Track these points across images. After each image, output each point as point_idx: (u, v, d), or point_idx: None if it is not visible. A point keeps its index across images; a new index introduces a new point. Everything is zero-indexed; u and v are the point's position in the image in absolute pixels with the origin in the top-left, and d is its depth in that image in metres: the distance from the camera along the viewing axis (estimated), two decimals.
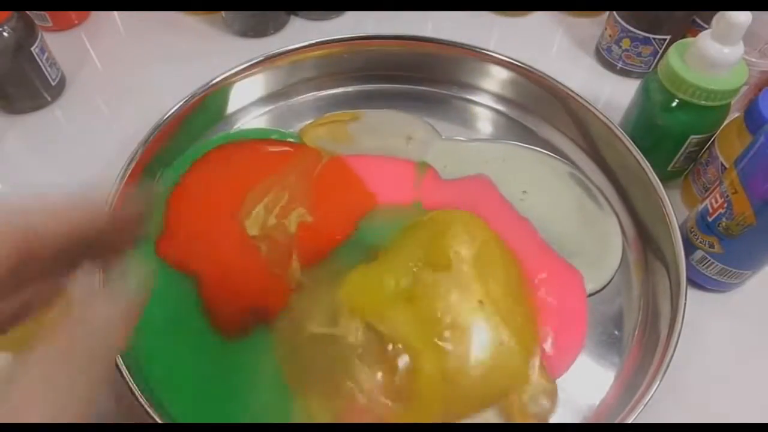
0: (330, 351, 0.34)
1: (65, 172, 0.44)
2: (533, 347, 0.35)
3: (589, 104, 0.43)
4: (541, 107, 0.46)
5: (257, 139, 0.44)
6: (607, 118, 0.42)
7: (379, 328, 0.35)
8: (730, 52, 0.37)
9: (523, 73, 0.45)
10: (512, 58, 0.45)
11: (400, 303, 0.36)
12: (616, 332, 0.37)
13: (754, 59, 0.43)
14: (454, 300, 0.34)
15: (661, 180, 0.39)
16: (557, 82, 0.44)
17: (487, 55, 0.46)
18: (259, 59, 0.44)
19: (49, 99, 0.48)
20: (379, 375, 0.34)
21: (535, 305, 0.37)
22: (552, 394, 0.34)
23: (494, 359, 0.33)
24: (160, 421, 0.29)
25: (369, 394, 0.33)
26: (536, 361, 0.35)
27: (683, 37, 0.48)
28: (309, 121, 0.45)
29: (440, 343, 0.34)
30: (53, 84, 0.47)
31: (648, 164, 0.40)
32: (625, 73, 0.52)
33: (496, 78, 0.47)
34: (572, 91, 0.44)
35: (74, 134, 0.47)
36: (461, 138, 0.45)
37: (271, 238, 0.39)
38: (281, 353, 0.35)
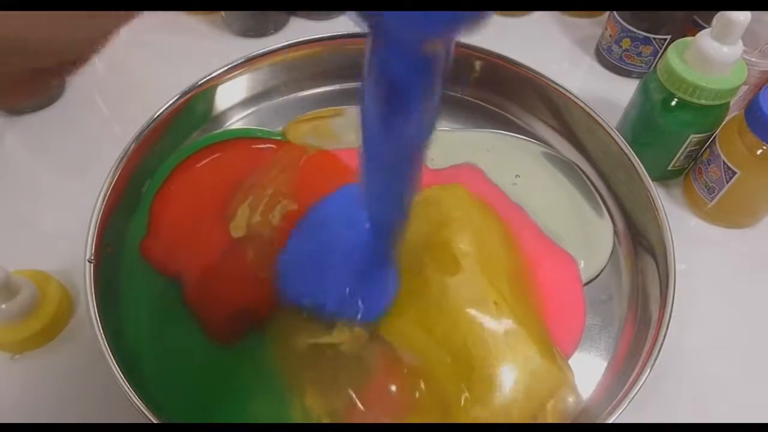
0: (329, 359, 0.34)
1: (65, 172, 0.44)
2: (548, 342, 0.35)
3: (569, 93, 0.43)
4: (522, 97, 0.46)
5: (241, 138, 0.44)
6: (587, 105, 0.42)
7: (394, 343, 0.34)
8: (729, 51, 0.37)
9: (500, 63, 0.45)
10: (488, 50, 0.45)
11: (409, 310, 0.35)
12: (607, 318, 0.38)
13: (754, 59, 0.43)
14: (473, 314, 0.34)
15: (662, 179, 0.39)
16: (535, 72, 0.44)
17: (465, 47, 0.46)
18: (240, 61, 0.44)
19: (49, 99, 0.48)
20: (393, 388, 0.33)
21: (537, 292, 0.37)
22: (574, 385, 0.34)
23: (525, 372, 0.33)
24: (155, 421, 0.29)
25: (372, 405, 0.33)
26: (556, 355, 0.35)
27: (683, 36, 0.48)
28: (293, 119, 0.45)
29: (473, 375, 0.33)
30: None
31: (629, 148, 0.40)
32: (625, 73, 0.52)
33: (475, 69, 0.47)
34: (551, 81, 0.44)
35: (74, 134, 0.47)
36: (446, 128, 0.45)
37: (257, 236, 0.38)
38: (277, 358, 0.34)
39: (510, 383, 0.32)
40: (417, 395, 0.33)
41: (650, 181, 0.38)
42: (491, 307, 0.34)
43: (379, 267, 0.34)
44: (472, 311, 0.34)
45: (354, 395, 0.33)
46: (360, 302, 0.34)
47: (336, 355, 0.34)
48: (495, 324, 0.34)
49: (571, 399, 0.33)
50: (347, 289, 0.34)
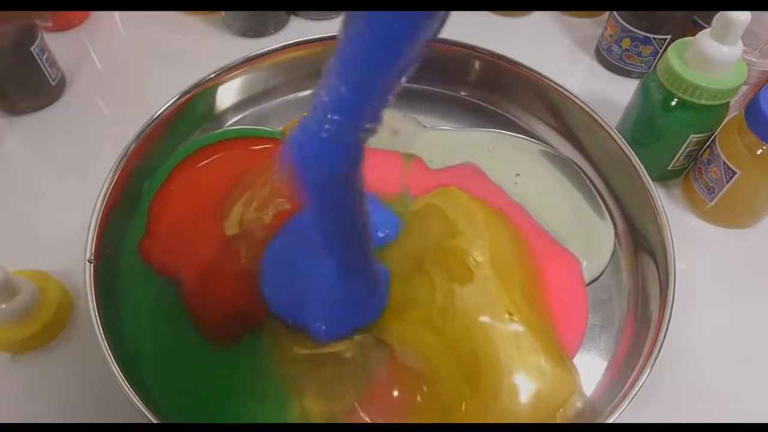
0: (330, 364, 0.34)
1: (65, 172, 0.44)
2: (559, 348, 0.35)
3: (569, 93, 0.43)
4: (522, 97, 0.46)
5: (241, 138, 0.44)
6: (587, 105, 0.42)
7: (397, 347, 0.34)
8: (729, 51, 0.37)
9: (500, 63, 0.45)
10: (488, 50, 0.45)
11: (413, 315, 0.35)
12: (607, 318, 0.38)
13: (754, 59, 0.43)
14: (484, 323, 0.34)
15: (662, 179, 0.39)
16: (535, 72, 0.44)
17: (465, 47, 0.46)
18: (240, 61, 0.44)
19: (49, 99, 0.48)
20: (395, 392, 0.33)
21: (546, 295, 0.37)
22: (582, 391, 0.34)
23: (536, 383, 0.33)
24: (155, 421, 0.29)
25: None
26: (566, 361, 0.34)
27: (683, 36, 0.48)
28: (293, 119, 0.45)
29: (479, 382, 0.33)
30: (53, 84, 0.47)
31: (629, 148, 0.40)
32: (625, 73, 0.52)
33: (475, 69, 0.47)
34: (551, 81, 0.44)
35: (74, 134, 0.47)
36: (446, 128, 0.45)
37: (249, 234, 0.38)
38: (275, 362, 0.34)
39: (520, 393, 0.32)
40: (418, 398, 0.33)
41: (650, 181, 0.39)
42: (504, 316, 0.34)
43: (351, 276, 0.33)
44: (484, 320, 0.34)
45: (354, 399, 0.33)
46: (338, 320, 0.34)
47: (337, 359, 0.34)
48: (507, 333, 0.33)
49: (579, 404, 0.33)
50: (325, 307, 0.34)
